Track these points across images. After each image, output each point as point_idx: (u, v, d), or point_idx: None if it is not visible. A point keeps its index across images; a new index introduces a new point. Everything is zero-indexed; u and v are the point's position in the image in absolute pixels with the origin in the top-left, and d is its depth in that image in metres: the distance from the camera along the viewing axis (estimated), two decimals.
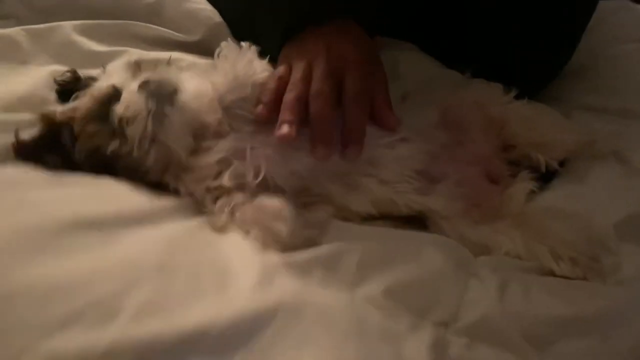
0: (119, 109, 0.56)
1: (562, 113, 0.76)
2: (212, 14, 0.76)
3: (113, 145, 0.56)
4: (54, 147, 0.57)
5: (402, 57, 0.74)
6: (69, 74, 0.62)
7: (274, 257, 0.50)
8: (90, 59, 0.68)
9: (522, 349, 0.47)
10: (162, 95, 0.56)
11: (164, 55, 0.68)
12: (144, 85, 0.56)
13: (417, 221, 0.63)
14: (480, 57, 0.75)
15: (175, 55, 0.71)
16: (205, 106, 0.59)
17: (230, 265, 0.47)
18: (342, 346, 0.43)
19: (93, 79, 0.61)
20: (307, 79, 0.59)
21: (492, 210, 0.64)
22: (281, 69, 0.62)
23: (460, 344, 0.47)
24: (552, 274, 0.56)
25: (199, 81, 0.60)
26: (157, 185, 0.58)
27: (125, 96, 0.57)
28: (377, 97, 0.62)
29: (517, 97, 0.72)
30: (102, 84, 0.59)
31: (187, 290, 0.43)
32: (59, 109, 0.59)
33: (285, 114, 0.57)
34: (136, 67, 0.61)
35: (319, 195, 0.60)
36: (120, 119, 0.56)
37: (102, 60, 0.67)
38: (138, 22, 0.73)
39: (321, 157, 0.57)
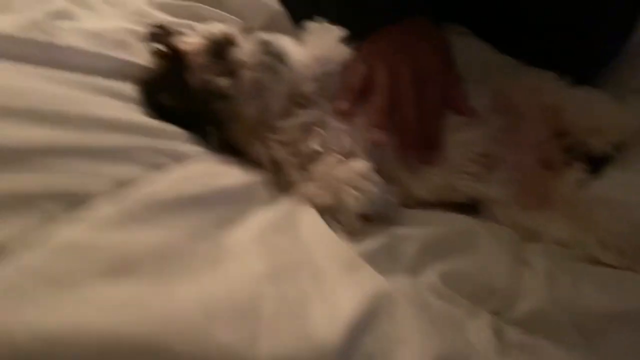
0: (239, 53, 0.60)
1: (616, 97, 0.75)
2: (271, 2, 0.79)
3: (221, 82, 0.59)
4: (168, 86, 0.60)
5: (455, 41, 0.74)
6: (161, 28, 0.64)
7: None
8: None
9: (573, 340, 0.48)
10: (277, 54, 0.61)
11: None
12: (263, 42, 0.61)
13: (469, 207, 0.65)
14: (533, 42, 0.76)
15: None
16: (304, 74, 0.64)
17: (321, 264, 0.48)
18: (423, 335, 0.45)
19: (183, 34, 0.64)
20: (393, 85, 0.64)
21: (543, 197, 0.66)
22: (363, 68, 0.66)
23: (515, 333, 0.49)
24: (599, 262, 0.57)
25: (303, 52, 0.65)
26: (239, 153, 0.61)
27: (246, 46, 0.61)
28: (452, 91, 0.67)
29: (571, 83, 0.72)
30: (220, 27, 0.63)
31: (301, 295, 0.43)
32: (173, 43, 0.62)
33: (378, 118, 0.63)
34: (248, 28, 0.66)
35: (386, 176, 0.63)
36: (238, 62, 0.60)
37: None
38: (204, 5, 0.77)
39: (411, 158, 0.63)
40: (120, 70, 0.59)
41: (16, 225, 0.37)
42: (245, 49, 0.60)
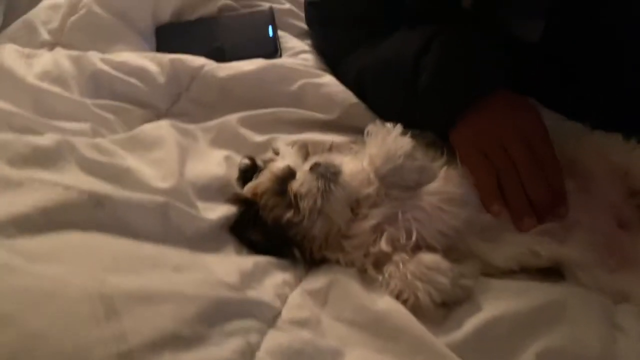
0: (295, 185, 0.69)
1: None
2: (347, 96, 0.85)
3: (288, 215, 0.68)
4: (253, 225, 0.69)
5: None
6: (248, 161, 0.76)
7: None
8: (252, 148, 0.81)
9: None
10: (328, 176, 0.68)
11: (322, 138, 0.82)
12: (314, 167, 0.69)
13: (553, 273, 0.67)
14: (598, 108, 0.79)
15: (319, 136, 0.83)
16: (361, 182, 0.70)
17: None
18: None
19: (267, 162, 0.75)
20: (512, 163, 0.69)
21: (626, 257, 0.68)
22: (480, 160, 0.70)
23: None
24: None
25: (355, 162, 0.72)
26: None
27: (300, 175, 0.70)
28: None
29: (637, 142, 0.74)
30: (279, 164, 0.72)
31: None
32: (245, 187, 0.72)
33: (521, 206, 0.67)
34: (305, 150, 0.75)
35: (465, 252, 0.67)
36: (296, 194, 0.68)
37: (260, 149, 0.81)
38: (285, 109, 0.86)
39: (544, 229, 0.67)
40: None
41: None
42: (300, 179, 0.69)
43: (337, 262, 0.70)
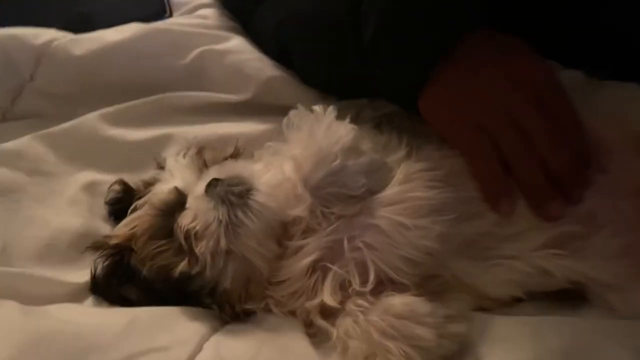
0: (184, 220, 0.49)
1: None
2: (262, 65, 0.65)
3: (181, 267, 0.48)
4: (128, 277, 0.51)
5: None
6: (117, 187, 0.55)
7: None
8: (130, 154, 0.60)
9: None
10: (232, 199, 0.48)
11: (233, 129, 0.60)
12: (211, 188, 0.49)
13: (571, 294, 0.51)
14: (598, 47, 0.59)
15: (229, 127, 0.61)
16: (286, 200, 0.50)
17: None
18: None
19: (148, 184, 0.54)
20: (522, 130, 0.50)
21: None
22: (473, 135, 0.51)
23: None
24: None
25: (273, 171, 0.51)
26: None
27: (191, 203, 0.50)
28: None
29: None
30: (163, 188, 0.52)
31: None
32: (115, 229, 0.53)
33: (542, 189, 0.50)
34: (200, 159, 0.54)
35: (447, 280, 0.51)
36: (187, 233, 0.48)
37: (143, 152, 0.59)
38: (175, 93, 0.64)
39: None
40: None
41: None
42: (194, 209, 0.49)
43: (270, 311, 0.51)
